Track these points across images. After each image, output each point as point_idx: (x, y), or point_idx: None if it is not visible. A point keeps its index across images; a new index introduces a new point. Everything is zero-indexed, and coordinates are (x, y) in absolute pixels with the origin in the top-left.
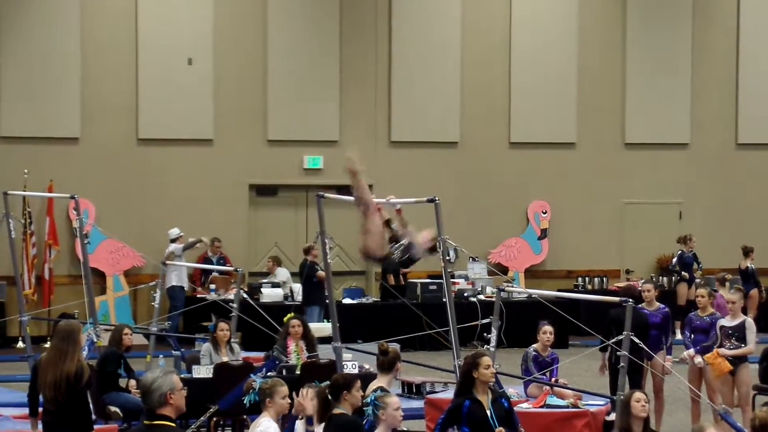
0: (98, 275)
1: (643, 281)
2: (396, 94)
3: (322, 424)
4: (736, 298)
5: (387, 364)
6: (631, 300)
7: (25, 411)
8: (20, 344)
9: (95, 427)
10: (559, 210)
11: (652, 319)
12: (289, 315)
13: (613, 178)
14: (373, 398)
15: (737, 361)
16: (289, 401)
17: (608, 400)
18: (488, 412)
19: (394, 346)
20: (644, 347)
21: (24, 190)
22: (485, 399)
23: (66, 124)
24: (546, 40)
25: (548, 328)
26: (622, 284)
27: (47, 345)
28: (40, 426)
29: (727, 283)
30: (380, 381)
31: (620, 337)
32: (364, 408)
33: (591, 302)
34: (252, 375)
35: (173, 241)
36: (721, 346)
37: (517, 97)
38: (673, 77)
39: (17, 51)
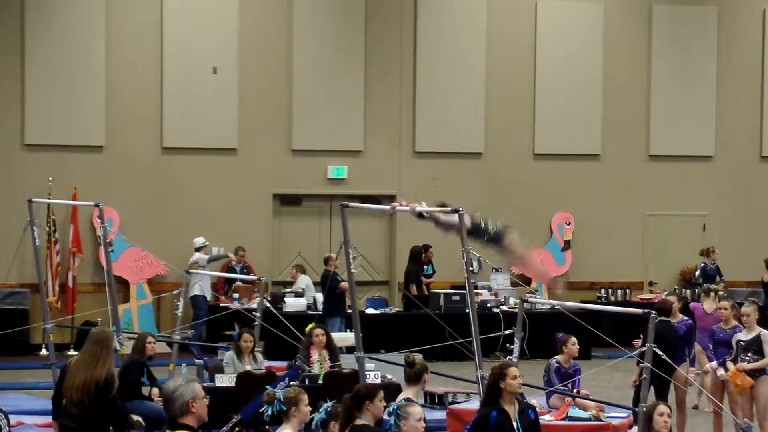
0: (122, 283)
1: (666, 293)
2: (420, 104)
3: None
4: (750, 311)
5: (414, 376)
6: (654, 312)
7: (48, 419)
8: (44, 351)
9: None
10: (583, 222)
11: (678, 332)
12: (311, 324)
13: (637, 190)
14: (395, 408)
15: (756, 373)
16: (310, 409)
17: (630, 412)
18: (515, 424)
19: (421, 358)
20: (671, 362)
21: (48, 198)
22: (512, 410)
23: (91, 132)
24: (571, 51)
25: (575, 339)
26: (649, 296)
27: (70, 353)
28: None
29: (712, 294)
30: (407, 392)
31: (643, 348)
32: (387, 418)
33: (614, 314)
34: (269, 387)
35: (198, 249)
36: (735, 360)
37: (541, 109)
38: (698, 90)
39: (43, 59)
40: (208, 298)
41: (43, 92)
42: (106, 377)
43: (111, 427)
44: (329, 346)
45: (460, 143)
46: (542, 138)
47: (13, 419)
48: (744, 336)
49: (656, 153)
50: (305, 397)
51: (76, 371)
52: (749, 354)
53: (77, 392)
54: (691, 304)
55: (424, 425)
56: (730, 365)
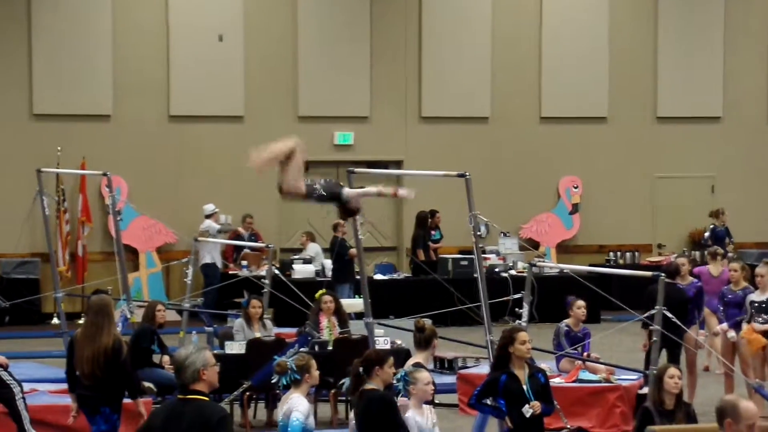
0: (131, 252)
1: (676, 255)
2: (426, 69)
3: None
4: (764, 272)
5: (424, 341)
6: (663, 275)
7: (61, 386)
8: (55, 320)
9: (129, 401)
10: (591, 185)
11: (687, 294)
12: (321, 291)
13: (645, 153)
14: (403, 373)
15: None
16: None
17: (641, 374)
18: (525, 387)
19: (430, 323)
20: (680, 325)
21: (57, 168)
22: (522, 374)
23: (98, 101)
24: (577, 13)
25: (581, 302)
26: (658, 259)
27: (81, 321)
28: None
29: (718, 257)
30: (417, 357)
31: (653, 311)
32: (395, 383)
33: (623, 277)
34: (278, 357)
35: (208, 217)
36: (749, 320)
37: (547, 72)
38: (705, 50)
39: (49, 28)
40: (219, 266)
41: (51, 62)
42: (113, 344)
43: (125, 392)
44: (338, 312)
45: (466, 108)
46: (549, 101)
47: (26, 386)
48: (758, 297)
49: (664, 115)
50: (314, 363)
51: (83, 344)
52: (763, 315)
53: (87, 364)
54: (696, 269)
55: (432, 389)
56: (744, 326)
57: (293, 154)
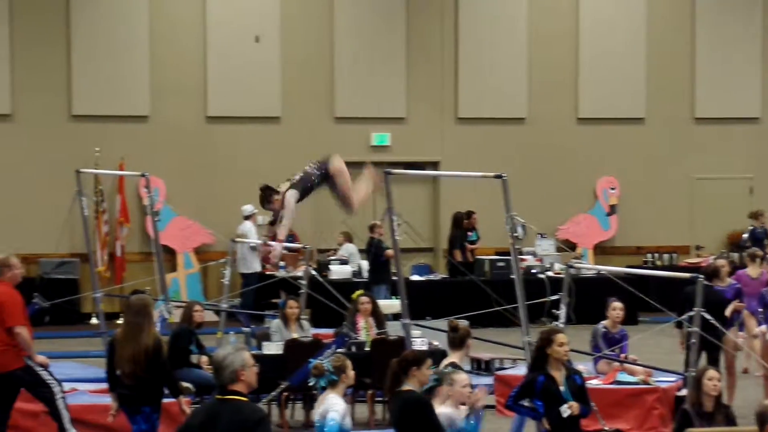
0: (169, 252)
1: (714, 257)
2: (463, 70)
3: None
4: None
5: (458, 341)
6: (701, 277)
7: (101, 385)
8: (94, 320)
9: (170, 401)
10: (628, 186)
11: (725, 295)
12: (358, 292)
13: (683, 154)
14: (436, 376)
15: None
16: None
17: (679, 376)
18: (562, 389)
19: (465, 323)
20: (719, 326)
21: (96, 168)
22: (558, 375)
23: (136, 102)
24: (614, 13)
25: (618, 304)
26: (696, 261)
27: (120, 321)
28: None
29: (757, 259)
30: (452, 357)
31: (691, 313)
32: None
33: (661, 279)
34: (313, 360)
35: (247, 218)
36: None
37: (585, 72)
38: (743, 50)
39: (87, 31)
40: (258, 269)
41: (89, 64)
42: (153, 344)
43: (165, 391)
44: (375, 313)
45: (503, 108)
46: (586, 102)
47: (66, 386)
48: None
49: (702, 115)
50: (350, 363)
51: (123, 344)
52: None
53: (128, 364)
54: (737, 273)
55: (470, 391)
56: None
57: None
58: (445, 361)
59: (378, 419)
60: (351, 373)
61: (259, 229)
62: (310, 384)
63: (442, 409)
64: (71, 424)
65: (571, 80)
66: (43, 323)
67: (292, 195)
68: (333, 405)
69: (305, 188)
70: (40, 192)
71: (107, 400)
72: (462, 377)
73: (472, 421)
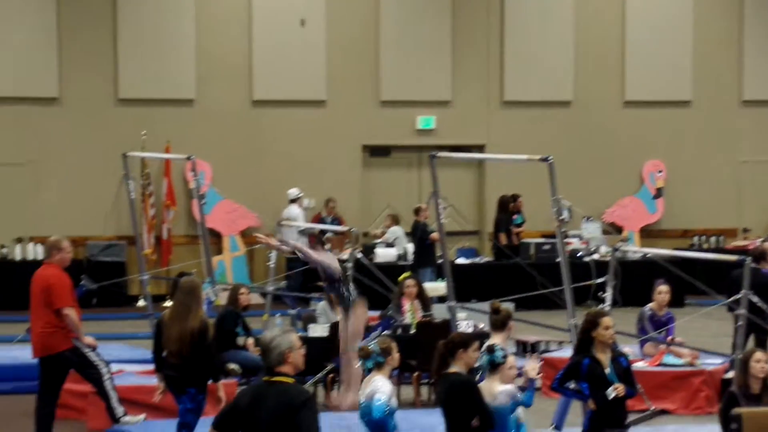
0: (215, 235)
1: (761, 240)
2: (509, 52)
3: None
4: None
5: (499, 323)
6: (748, 259)
7: (147, 366)
8: (141, 303)
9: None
10: (675, 169)
11: None
12: (404, 275)
13: (730, 136)
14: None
15: None
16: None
17: (726, 359)
18: (607, 371)
19: (506, 305)
20: (766, 308)
21: (142, 152)
22: (604, 358)
23: (182, 85)
24: None
25: (664, 287)
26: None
27: (166, 303)
28: None
29: None
30: (494, 339)
31: (739, 295)
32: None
33: (707, 261)
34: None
35: (292, 201)
36: None
37: (631, 55)
38: None
39: (134, 15)
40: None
41: (135, 47)
42: (200, 326)
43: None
44: (421, 296)
45: (549, 92)
46: (632, 85)
47: (114, 367)
48: None
49: (749, 98)
50: (396, 345)
51: (171, 324)
52: None
53: (175, 344)
54: None
55: (515, 372)
56: None
57: None
58: (488, 343)
59: (423, 400)
60: (396, 355)
61: (305, 212)
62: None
63: (500, 388)
64: (119, 403)
65: (617, 63)
66: (90, 305)
67: (318, 254)
68: (380, 386)
69: (323, 269)
70: (87, 175)
71: (154, 380)
72: (508, 359)
73: (528, 392)
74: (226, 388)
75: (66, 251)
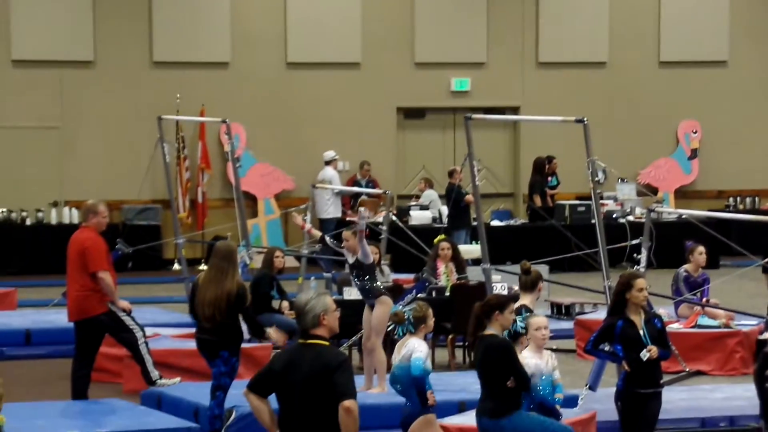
0: (250, 199)
1: None
2: (543, 14)
3: None
4: None
5: (530, 284)
6: None
7: (183, 330)
8: (176, 266)
9: (249, 345)
10: (710, 130)
11: None
12: (439, 237)
13: (766, 97)
14: (522, 317)
15: None
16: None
17: (761, 320)
18: (641, 332)
19: (537, 267)
20: None
21: (177, 115)
22: (638, 319)
23: (216, 49)
24: None
25: (700, 248)
26: None
27: (201, 267)
28: None
29: None
30: (524, 300)
31: None
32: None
33: (743, 222)
34: (396, 305)
35: (328, 163)
36: None
37: (666, 16)
38: None
39: None
40: (338, 214)
41: (170, 11)
42: (237, 290)
43: (249, 334)
44: (456, 258)
45: (584, 53)
46: (668, 46)
47: (149, 331)
48: None
49: None
50: (431, 312)
51: (206, 287)
52: None
53: (209, 307)
54: None
55: (544, 333)
56: None
57: None
58: (516, 304)
59: (458, 362)
60: (431, 322)
61: (340, 174)
62: (389, 330)
63: (529, 359)
64: (154, 366)
65: (653, 24)
66: (126, 269)
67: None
68: (416, 347)
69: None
70: (122, 138)
71: (189, 344)
72: (534, 320)
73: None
74: (260, 351)
75: (102, 215)
